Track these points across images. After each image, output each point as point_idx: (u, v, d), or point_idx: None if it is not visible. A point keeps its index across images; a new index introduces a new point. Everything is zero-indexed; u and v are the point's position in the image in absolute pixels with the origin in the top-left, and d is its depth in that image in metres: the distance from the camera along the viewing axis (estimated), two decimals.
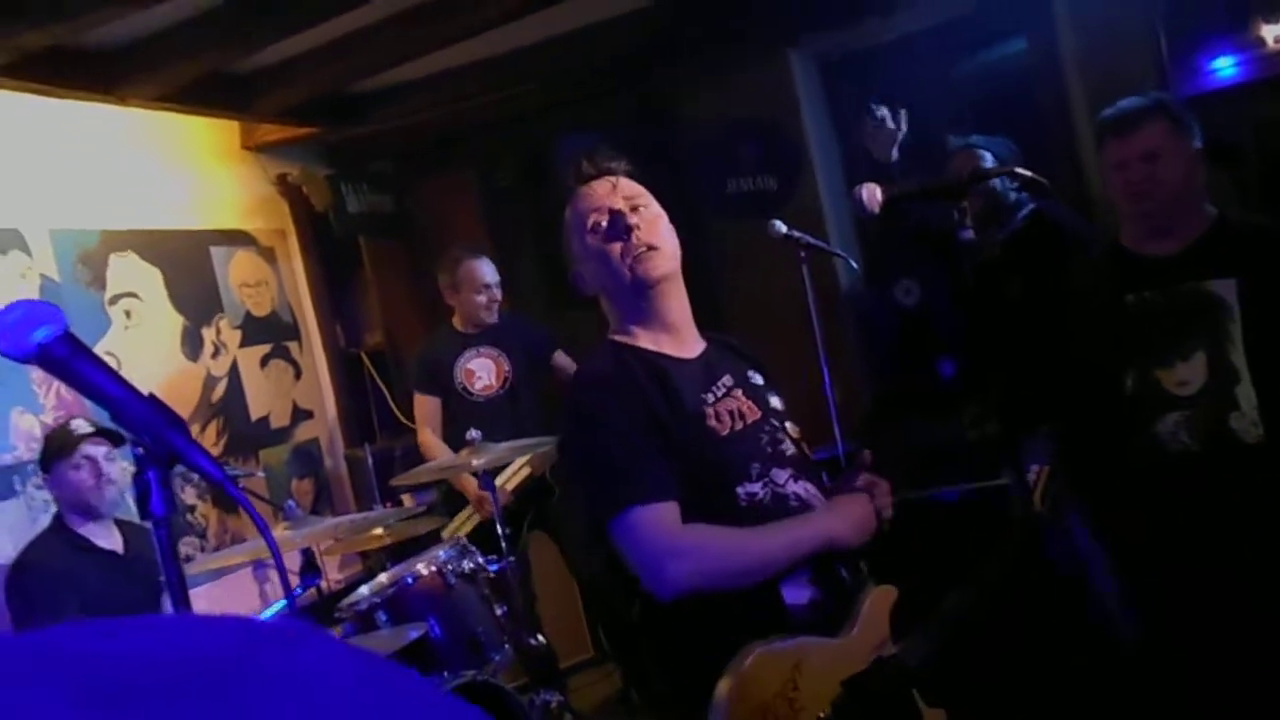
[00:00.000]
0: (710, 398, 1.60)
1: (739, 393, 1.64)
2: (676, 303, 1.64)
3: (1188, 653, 1.98)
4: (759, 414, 1.64)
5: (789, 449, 1.65)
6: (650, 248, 1.59)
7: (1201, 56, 3.50)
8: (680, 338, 1.65)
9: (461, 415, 3.57)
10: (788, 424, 1.69)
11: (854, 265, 2.95)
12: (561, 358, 3.81)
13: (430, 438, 3.69)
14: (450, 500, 3.68)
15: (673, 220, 1.67)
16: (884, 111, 2.81)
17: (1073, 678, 2.40)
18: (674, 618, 1.53)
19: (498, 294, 3.74)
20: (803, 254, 2.79)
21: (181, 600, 0.92)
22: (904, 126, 2.86)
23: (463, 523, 3.56)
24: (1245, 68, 3.53)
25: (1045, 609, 2.51)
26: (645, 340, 1.62)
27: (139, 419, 0.88)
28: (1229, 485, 1.87)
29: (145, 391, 0.92)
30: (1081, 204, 3.52)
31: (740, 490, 1.55)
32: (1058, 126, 3.84)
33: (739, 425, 1.60)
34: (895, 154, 2.87)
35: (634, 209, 1.60)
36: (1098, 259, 2.15)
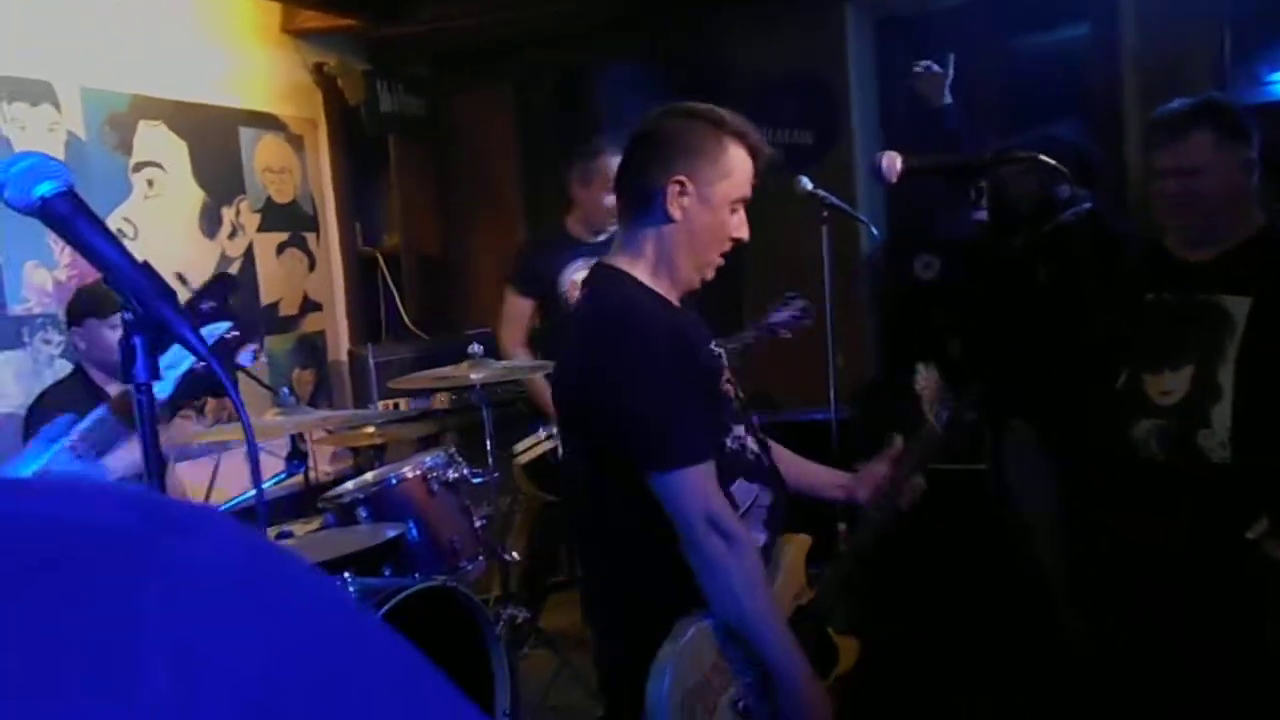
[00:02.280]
0: (717, 353, 1.65)
1: (719, 352, 1.68)
2: None
3: (1126, 649, 2.02)
4: (728, 370, 1.69)
5: (745, 405, 1.71)
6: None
7: (1263, 66, 3.41)
8: (675, 297, 1.66)
9: (558, 326, 3.30)
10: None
11: (874, 232, 2.92)
12: None
13: (511, 340, 3.42)
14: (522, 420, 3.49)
15: None
16: (926, 62, 2.81)
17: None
18: (635, 571, 1.56)
19: None
20: (825, 214, 2.77)
21: (154, 465, 0.95)
22: (951, 71, 2.86)
23: (531, 447, 3.40)
24: None
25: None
26: (664, 288, 1.62)
27: (131, 285, 0.90)
28: (1188, 501, 1.88)
29: (140, 259, 0.93)
30: (1120, 199, 3.47)
31: (725, 439, 1.61)
32: (1107, 118, 3.77)
33: (731, 386, 1.66)
34: (948, 96, 2.85)
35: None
36: (1137, 255, 2.13)
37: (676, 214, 1.55)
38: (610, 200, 3.34)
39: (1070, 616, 2.63)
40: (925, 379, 1.89)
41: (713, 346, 1.66)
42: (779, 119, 4.14)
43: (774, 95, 4.14)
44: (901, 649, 2.81)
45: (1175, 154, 1.90)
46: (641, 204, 1.58)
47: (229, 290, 1.10)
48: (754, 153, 1.59)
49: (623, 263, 1.62)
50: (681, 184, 1.55)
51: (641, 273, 1.60)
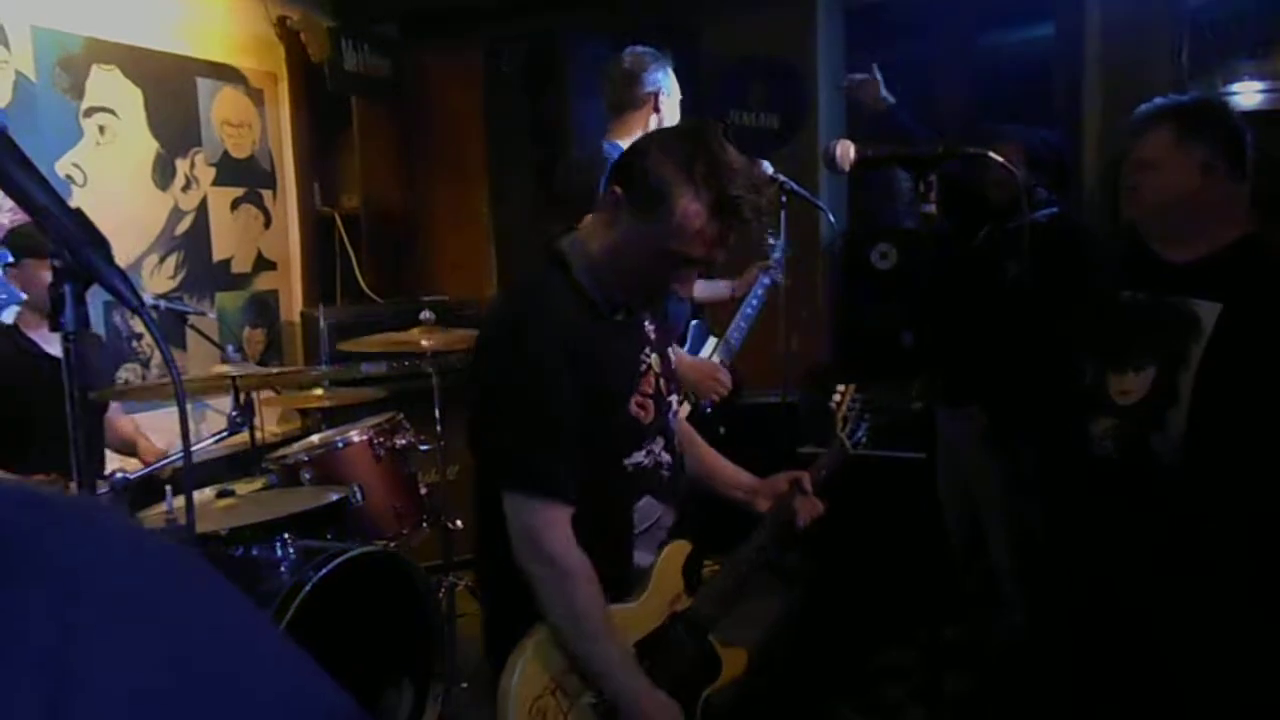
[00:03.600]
0: (641, 368, 1.61)
1: (651, 368, 1.64)
2: None
3: (1064, 641, 2.07)
4: (657, 387, 1.64)
5: (669, 418, 1.68)
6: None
7: (1219, 77, 3.48)
8: (622, 294, 1.60)
9: None
10: (674, 396, 1.70)
11: (832, 220, 2.95)
12: None
13: None
14: None
15: None
16: (856, 75, 2.88)
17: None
18: (502, 566, 1.54)
19: None
20: (784, 199, 2.79)
21: (80, 413, 0.94)
22: (878, 74, 2.93)
23: None
24: (1261, 96, 3.52)
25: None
26: (604, 287, 1.56)
27: (62, 232, 0.88)
28: (1137, 501, 1.90)
29: (72, 206, 0.91)
30: (1077, 198, 3.53)
31: (628, 461, 1.59)
32: (1068, 118, 3.82)
33: (651, 410, 1.61)
34: (888, 96, 2.90)
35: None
36: (1120, 251, 2.12)
37: (617, 226, 1.50)
38: None
39: (1011, 606, 2.70)
40: (842, 397, 1.91)
41: (644, 357, 1.61)
42: (746, 101, 4.14)
43: (742, 77, 4.15)
44: (839, 636, 2.86)
45: (1135, 148, 1.92)
46: (612, 194, 1.52)
47: None
48: (718, 212, 1.43)
49: (577, 248, 1.57)
50: (616, 197, 1.48)
51: (586, 263, 1.56)
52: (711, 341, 2.94)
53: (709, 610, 1.63)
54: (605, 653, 1.49)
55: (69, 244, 0.88)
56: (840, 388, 1.93)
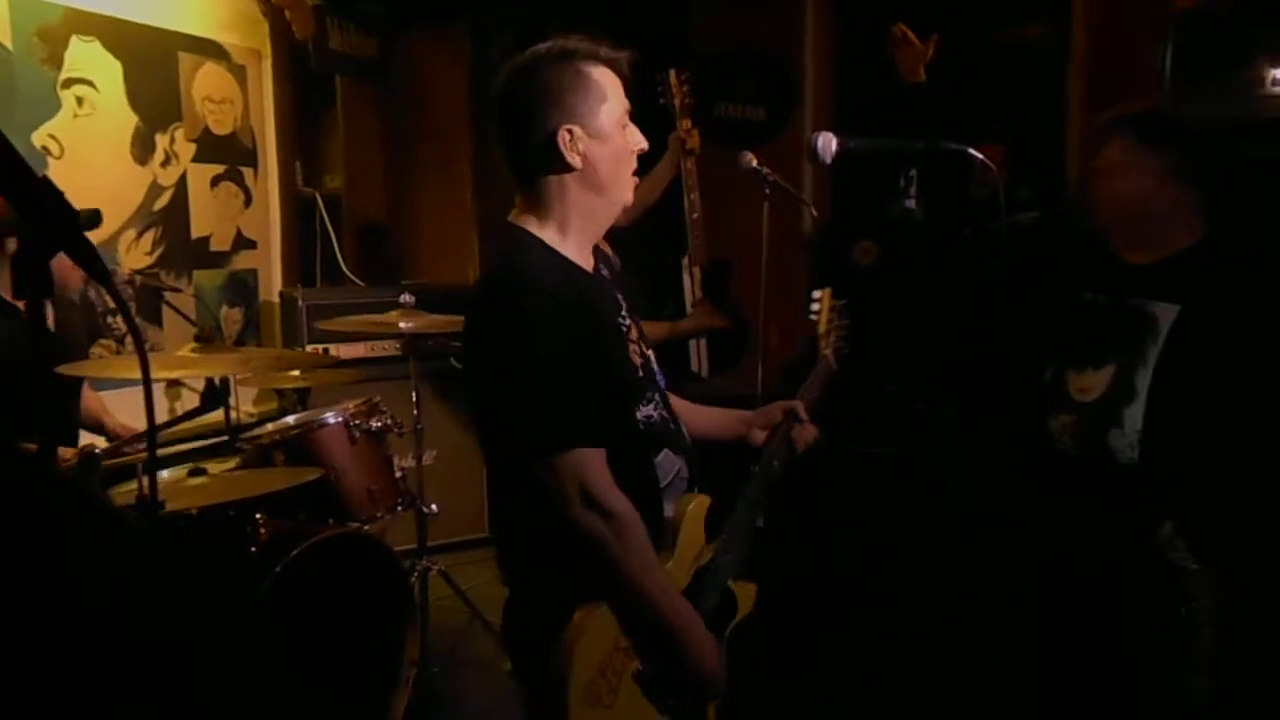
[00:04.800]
0: (625, 324, 1.61)
1: (632, 321, 1.64)
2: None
3: (1022, 633, 2.10)
4: (638, 337, 1.65)
5: (658, 373, 1.68)
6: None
7: (1201, 84, 3.50)
8: (586, 256, 1.61)
9: None
10: (649, 351, 1.70)
11: (814, 214, 2.95)
12: None
13: None
14: None
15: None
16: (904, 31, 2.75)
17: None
18: (536, 547, 1.53)
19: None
20: (767, 191, 2.79)
21: (40, 384, 0.92)
22: (931, 51, 2.84)
23: None
24: (1242, 104, 3.54)
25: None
26: (571, 250, 1.56)
27: (27, 200, 0.87)
28: (1094, 497, 1.94)
29: (40, 174, 0.90)
30: (1057, 197, 3.55)
31: (639, 413, 1.57)
32: (1051, 119, 3.84)
33: (643, 353, 1.62)
34: (923, 75, 2.85)
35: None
36: (1083, 254, 2.16)
37: (577, 162, 1.51)
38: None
39: (978, 598, 2.72)
40: (820, 306, 1.87)
41: (622, 317, 1.61)
42: (732, 93, 4.14)
43: (729, 68, 4.14)
44: (812, 626, 2.88)
45: (1098, 155, 1.97)
46: (537, 161, 1.53)
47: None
48: (613, 64, 1.55)
49: (530, 223, 1.56)
50: (570, 131, 1.50)
51: (550, 232, 1.55)
52: None
53: (727, 557, 1.65)
54: (670, 601, 1.48)
55: (37, 214, 0.87)
56: (816, 294, 1.88)
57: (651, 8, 4.21)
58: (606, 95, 1.52)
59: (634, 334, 1.63)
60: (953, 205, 2.80)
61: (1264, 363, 1.82)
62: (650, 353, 1.68)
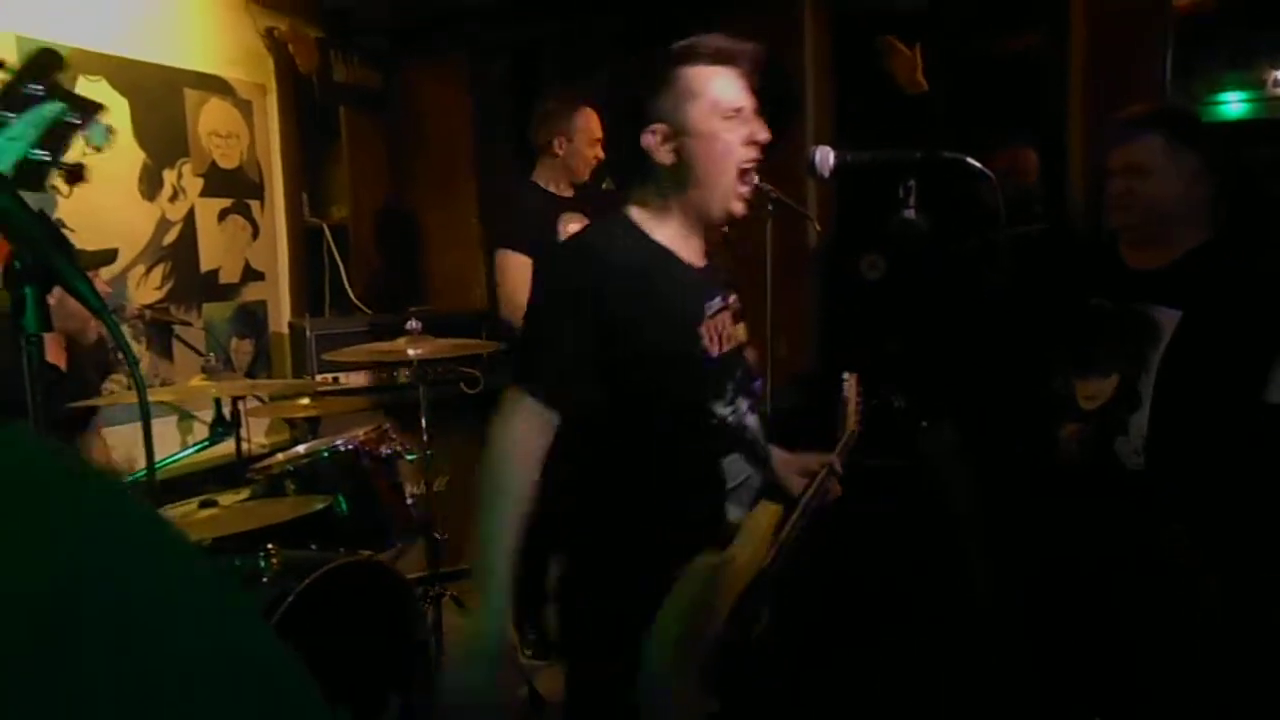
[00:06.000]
0: (708, 310, 1.62)
1: (727, 315, 1.65)
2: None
3: (1035, 642, 2.08)
4: (738, 341, 1.66)
5: (752, 381, 1.69)
6: (758, 160, 1.60)
7: (1202, 86, 3.50)
8: (693, 246, 1.64)
9: None
10: (749, 355, 1.73)
11: (818, 229, 2.95)
12: None
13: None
14: None
15: None
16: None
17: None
18: (615, 536, 1.55)
19: (600, 153, 3.27)
20: (770, 207, 2.78)
21: (41, 423, 0.93)
22: (920, 60, 2.85)
23: None
24: (1244, 106, 3.54)
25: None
26: (661, 235, 1.60)
27: (22, 232, 0.87)
28: (1102, 504, 1.93)
29: (36, 209, 0.91)
30: (1060, 205, 3.54)
31: (715, 407, 1.59)
32: (1053, 126, 3.83)
33: (725, 347, 1.62)
34: (924, 83, 2.84)
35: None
36: (1088, 257, 2.14)
37: (668, 159, 1.56)
38: (590, 152, 3.25)
39: (988, 607, 2.70)
40: (849, 388, 1.93)
41: (708, 305, 1.61)
42: None
43: None
44: (822, 640, 2.85)
45: (1125, 153, 1.93)
46: (633, 165, 1.59)
47: (53, 66, 1.03)
48: (716, 58, 1.58)
49: (635, 210, 1.62)
50: (654, 132, 1.55)
51: (652, 220, 1.60)
52: None
53: (783, 568, 1.64)
54: (494, 531, 1.50)
55: (31, 246, 0.87)
56: (846, 375, 1.94)
57: (648, 25, 4.23)
58: (697, 93, 1.55)
59: (720, 327, 1.62)
60: (961, 215, 2.80)
61: (1265, 366, 1.80)
62: (745, 355, 1.69)
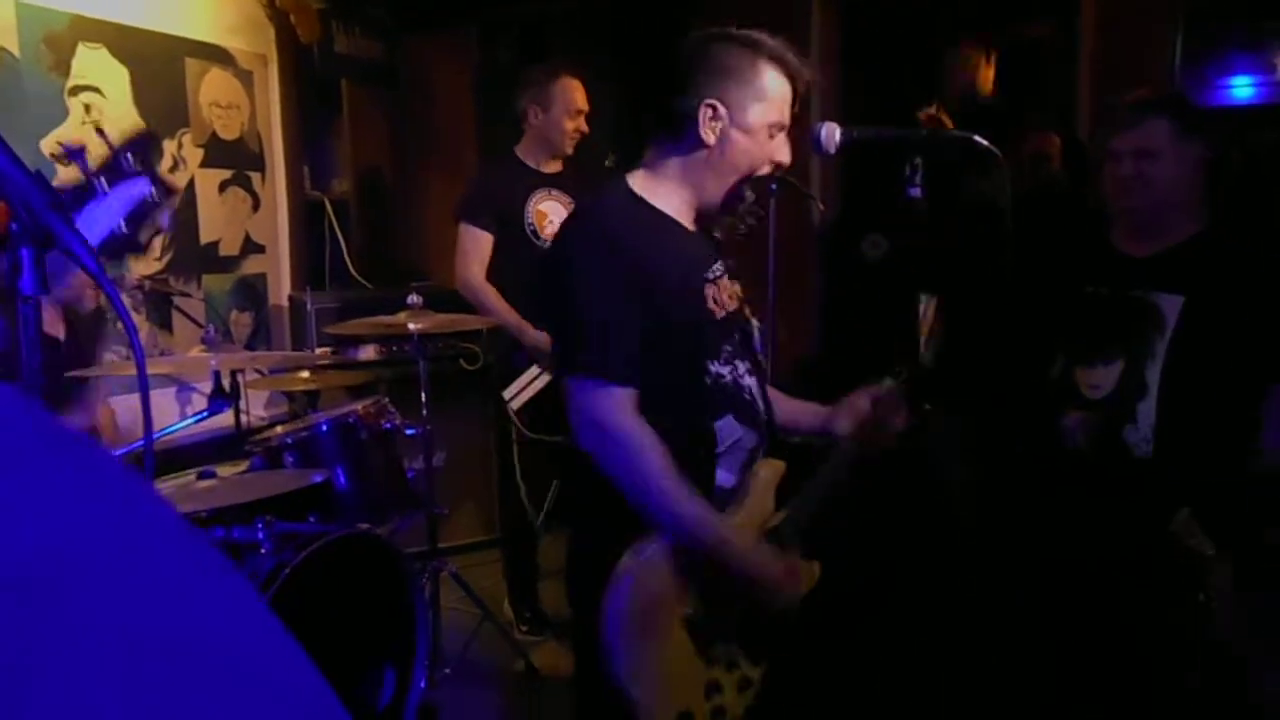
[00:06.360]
0: (711, 275, 1.63)
1: (726, 279, 1.67)
2: None
3: (1038, 630, 2.07)
4: (737, 303, 1.67)
5: (753, 343, 1.70)
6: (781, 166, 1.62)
7: (1213, 70, 3.47)
8: (690, 217, 1.66)
9: (524, 262, 3.10)
10: (753, 320, 1.73)
11: (820, 208, 2.93)
12: None
13: (477, 276, 3.17)
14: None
15: None
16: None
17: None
18: (594, 480, 1.54)
19: (584, 127, 3.23)
20: (773, 186, 2.77)
21: (35, 386, 0.92)
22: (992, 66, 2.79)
23: (525, 386, 3.19)
24: (1257, 90, 3.52)
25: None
26: (664, 205, 1.61)
27: (19, 193, 0.86)
28: (1111, 493, 1.92)
29: (33, 169, 0.89)
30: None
31: (711, 366, 1.60)
32: (1063, 111, 3.81)
33: (726, 310, 1.64)
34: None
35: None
36: (1079, 244, 2.14)
37: (709, 138, 1.56)
38: (570, 125, 3.20)
39: (987, 594, 2.70)
40: (926, 308, 1.82)
41: (711, 271, 1.62)
42: None
43: None
44: (821, 618, 2.85)
45: (1132, 137, 1.91)
46: (671, 126, 1.58)
47: (149, 143, 1.05)
48: (793, 77, 1.58)
49: (635, 177, 1.61)
50: (714, 108, 1.54)
51: (650, 185, 1.60)
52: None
53: (795, 526, 1.65)
54: (686, 510, 1.50)
55: (28, 207, 0.86)
56: (923, 298, 1.85)
57: (654, 5, 4.20)
58: (766, 95, 1.57)
59: (722, 290, 1.63)
60: (959, 195, 2.78)
61: (1272, 349, 1.80)
62: (750, 320, 1.70)
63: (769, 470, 1.65)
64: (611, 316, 1.49)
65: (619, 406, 1.49)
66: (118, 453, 2.37)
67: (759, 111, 1.56)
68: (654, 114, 1.61)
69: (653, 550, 1.52)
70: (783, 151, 1.60)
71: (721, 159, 1.57)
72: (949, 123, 2.84)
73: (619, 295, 1.50)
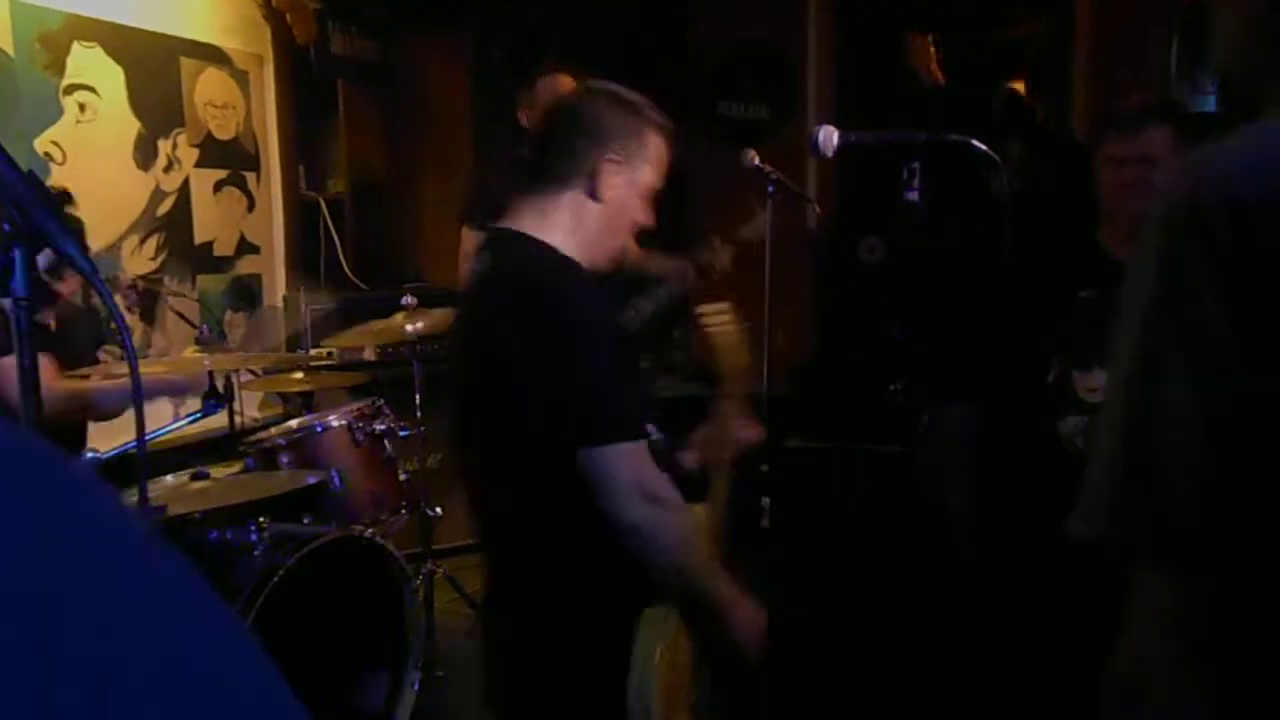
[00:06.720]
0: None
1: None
2: None
3: (1029, 634, 2.08)
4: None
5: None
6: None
7: (1207, 73, 3.48)
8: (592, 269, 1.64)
9: None
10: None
11: (818, 211, 2.93)
12: None
13: None
14: None
15: None
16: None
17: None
18: (569, 560, 1.53)
19: None
20: (771, 189, 2.77)
21: (29, 387, 0.91)
22: (936, 52, 2.82)
23: None
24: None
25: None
26: (571, 255, 1.57)
27: (10, 193, 0.85)
28: None
29: (24, 168, 0.89)
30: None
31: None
32: (1055, 113, 3.82)
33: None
34: (940, 73, 2.82)
35: None
36: (1072, 248, 2.14)
37: (606, 193, 1.54)
38: None
39: (981, 596, 2.70)
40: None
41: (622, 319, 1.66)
42: (735, 92, 4.12)
43: (731, 67, 4.12)
44: (819, 625, 2.86)
45: (1133, 144, 1.93)
46: (567, 175, 1.55)
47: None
48: (669, 144, 1.60)
49: (530, 228, 1.55)
50: (616, 163, 1.53)
51: (557, 239, 1.55)
52: None
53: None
54: (719, 573, 1.51)
55: (20, 206, 0.86)
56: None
57: (651, 6, 4.20)
58: (651, 160, 1.57)
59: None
60: (959, 198, 2.78)
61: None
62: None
63: (702, 514, 1.65)
64: (615, 374, 1.47)
65: (652, 464, 1.46)
66: (106, 455, 2.35)
67: (647, 174, 1.57)
68: (546, 164, 1.56)
69: (675, 623, 1.52)
70: (648, 214, 1.61)
71: (611, 215, 1.56)
72: (924, 43, 2.83)
73: (611, 352, 1.47)
